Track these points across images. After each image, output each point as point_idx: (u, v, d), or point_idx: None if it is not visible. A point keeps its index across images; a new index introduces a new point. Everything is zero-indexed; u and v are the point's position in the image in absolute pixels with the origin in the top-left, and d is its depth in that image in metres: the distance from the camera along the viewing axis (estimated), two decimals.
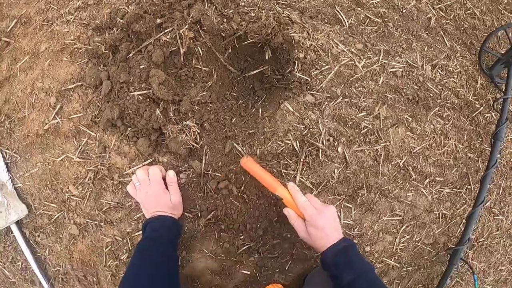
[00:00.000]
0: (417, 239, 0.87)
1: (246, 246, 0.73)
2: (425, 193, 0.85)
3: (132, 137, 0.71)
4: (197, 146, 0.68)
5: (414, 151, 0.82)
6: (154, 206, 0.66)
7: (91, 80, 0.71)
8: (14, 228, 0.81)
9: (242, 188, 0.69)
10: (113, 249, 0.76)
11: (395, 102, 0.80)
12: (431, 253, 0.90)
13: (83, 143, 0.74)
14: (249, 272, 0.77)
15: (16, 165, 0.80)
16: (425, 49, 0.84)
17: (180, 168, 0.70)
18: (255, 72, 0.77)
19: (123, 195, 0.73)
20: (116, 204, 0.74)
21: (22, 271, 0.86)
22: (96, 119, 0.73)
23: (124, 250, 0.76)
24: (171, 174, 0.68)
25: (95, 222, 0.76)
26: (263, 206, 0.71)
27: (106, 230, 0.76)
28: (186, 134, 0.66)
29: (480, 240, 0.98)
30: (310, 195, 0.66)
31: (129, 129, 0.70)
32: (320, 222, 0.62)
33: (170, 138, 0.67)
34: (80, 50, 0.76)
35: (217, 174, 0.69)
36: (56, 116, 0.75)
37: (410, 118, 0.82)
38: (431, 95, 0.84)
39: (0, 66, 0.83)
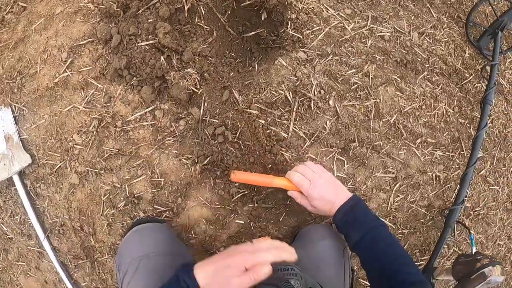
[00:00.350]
0: (411, 200, 0.92)
1: (241, 194, 0.79)
2: (417, 153, 0.92)
3: (137, 85, 0.80)
4: (197, 91, 0.77)
5: (404, 110, 0.90)
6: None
7: (102, 35, 0.82)
8: (16, 178, 0.88)
9: (238, 134, 0.77)
10: (111, 197, 0.83)
11: (383, 63, 0.89)
12: (426, 216, 0.95)
13: (90, 94, 0.83)
14: (243, 222, 0.82)
15: (23, 117, 0.89)
16: (412, 18, 0.95)
17: (180, 115, 0.78)
18: (252, 33, 0.87)
19: (125, 142, 0.81)
20: (117, 151, 0.81)
21: (19, 225, 0.92)
22: (104, 71, 0.83)
23: (122, 198, 0.83)
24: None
25: (96, 170, 0.83)
26: (258, 152, 0.78)
27: (106, 178, 0.83)
28: (187, 80, 0.75)
29: (476, 209, 1.03)
30: (303, 167, 0.72)
31: (134, 78, 0.80)
32: (315, 193, 0.68)
33: (172, 84, 0.76)
34: (93, 12, 0.87)
35: (214, 120, 0.77)
36: (66, 69, 0.85)
37: (399, 79, 0.91)
38: (419, 59, 0.93)
39: (16, 28, 0.94)
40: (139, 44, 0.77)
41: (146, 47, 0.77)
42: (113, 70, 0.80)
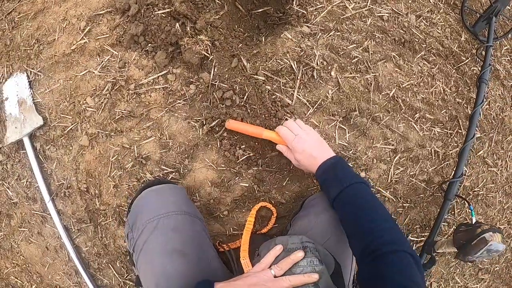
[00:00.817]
0: (411, 173, 1.02)
1: (246, 156, 0.89)
2: (416, 128, 1.02)
3: (151, 51, 0.91)
4: (208, 56, 0.88)
5: (403, 85, 1.02)
6: None
7: (120, 5, 0.94)
8: (26, 140, 0.98)
9: (245, 98, 0.88)
10: (119, 158, 0.92)
11: (382, 40, 1.02)
12: (426, 191, 1.04)
13: (105, 60, 0.94)
14: (247, 185, 0.91)
15: (39, 82, 0.99)
16: (410, 2, 1.09)
17: (191, 79, 0.89)
18: (260, 10, 1.00)
19: (136, 105, 0.91)
20: (128, 113, 0.91)
21: (25, 188, 1.00)
22: (120, 39, 0.94)
23: (130, 159, 0.92)
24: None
25: (106, 132, 0.93)
26: (264, 116, 0.89)
27: (115, 140, 0.92)
28: (200, 45, 0.87)
29: (476, 189, 1.12)
30: (291, 122, 0.81)
31: (149, 44, 0.91)
32: (299, 146, 0.76)
33: (185, 49, 0.87)
34: None
35: (223, 85, 0.88)
36: (84, 37, 0.96)
37: (397, 56, 1.03)
38: (416, 40, 1.06)
39: (36, 0, 1.07)
40: (156, 12, 0.89)
41: (163, 15, 0.89)
42: (129, 36, 0.92)
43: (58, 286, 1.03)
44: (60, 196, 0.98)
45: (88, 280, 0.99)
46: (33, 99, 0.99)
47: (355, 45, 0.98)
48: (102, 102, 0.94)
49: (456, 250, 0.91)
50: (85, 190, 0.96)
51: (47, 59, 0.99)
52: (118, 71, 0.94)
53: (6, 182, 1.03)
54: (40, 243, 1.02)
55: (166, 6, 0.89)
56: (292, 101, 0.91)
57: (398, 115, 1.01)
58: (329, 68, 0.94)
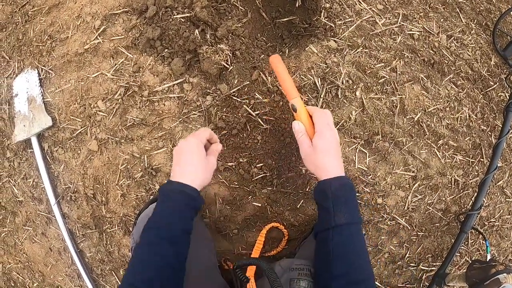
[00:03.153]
0: (429, 202, 0.91)
1: (261, 176, 0.79)
2: (438, 155, 0.91)
3: (168, 57, 0.81)
4: (228, 67, 0.77)
5: (429, 110, 0.90)
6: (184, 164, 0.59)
7: (138, 6, 0.83)
8: (34, 140, 0.89)
9: (263, 113, 0.77)
10: (128, 166, 0.83)
11: (411, 60, 0.90)
12: (442, 221, 0.94)
13: (119, 63, 0.84)
14: (260, 205, 0.81)
15: (49, 81, 0.89)
16: (441, 20, 0.96)
17: (208, 90, 0.79)
18: (285, 20, 0.89)
19: (149, 113, 0.81)
20: (140, 120, 0.82)
21: (31, 188, 0.92)
22: (136, 41, 0.84)
23: (139, 169, 0.82)
24: (220, 146, 0.67)
25: (116, 138, 0.83)
26: (282, 133, 0.78)
27: (125, 147, 0.83)
28: (219, 55, 0.76)
29: (491, 220, 1.01)
30: (329, 115, 0.64)
31: (166, 50, 0.81)
32: (332, 136, 0.60)
33: (204, 58, 0.77)
34: None
35: (241, 98, 0.77)
36: (98, 37, 0.86)
37: (425, 78, 0.91)
38: (446, 61, 0.94)
39: None
40: (174, 16, 0.78)
41: (182, 19, 0.78)
42: (145, 40, 0.81)
43: (59, 287, 0.96)
44: (66, 200, 0.89)
45: (90, 285, 0.91)
46: (43, 98, 0.90)
47: (383, 64, 0.86)
48: (113, 107, 0.84)
49: (467, 287, 0.82)
50: (92, 196, 0.87)
51: (59, 57, 0.89)
52: (132, 75, 0.83)
53: (12, 179, 0.95)
54: (44, 244, 0.94)
55: (186, 10, 0.77)
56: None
57: (421, 141, 0.90)
58: (355, 87, 0.83)
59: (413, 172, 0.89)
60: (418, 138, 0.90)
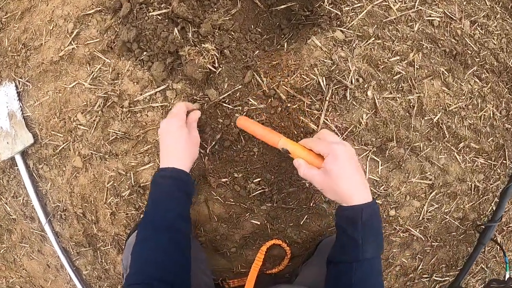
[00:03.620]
0: (446, 211, 0.70)
1: (259, 191, 0.59)
2: (459, 159, 0.69)
3: (147, 61, 0.60)
4: (215, 70, 0.56)
5: (450, 109, 0.67)
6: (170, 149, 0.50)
7: (110, 4, 0.61)
8: (18, 158, 0.71)
9: (260, 121, 0.56)
10: (115, 184, 0.64)
11: (431, 52, 0.66)
12: (459, 229, 0.73)
13: (96, 70, 0.64)
14: (259, 223, 0.62)
15: (27, 93, 0.70)
16: (464, 3, 0.71)
17: (195, 97, 0.58)
18: (283, 7, 0.65)
19: (131, 125, 0.62)
20: (123, 134, 0.62)
21: (22, 207, 0.75)
22: (112, 44, 0.63)
23: (126, 186, 0.64)
24: (198, 114, 0.55)
25: (100, 154, 0.64)
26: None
27: (110, 164, 0.64)
28: (204, 57, 0.55)
29: (510, 225, 0.80)
30: (326, 131, 0.48)
31: (144, 53, 0.60)
32: (345, 152, 0.42)
33: (186, 60, 0.55)
34: None
35: (233, 105, 0.56)
36: (72, 42, 0.65)
37: (447, 73, 0.68)
38: (469, 52, 0.70)
39: None
40: (150, 13, 0.56)
41: (158, 17, 0.56)
42: (121, 43, 0.60)
43: None
44: (57, 218, 0.72)
45: None
46: (22, 113, 0.70)
47: (398, 57, 0.63)
48: (94, 120, 0.64)
49: None
50: (82, 214, 0.70)
51: (35, 67, 0.69)
52: (111, 83, 0.63)
53: (3, 197, 0.78)
54: (41, 261, 0.78)
55: (162, 6, 0.55)
56: (318, 126, 0.59)
57: (440, 145, 0.68)
58: (366, 86, 0.61)
59: (430, 180, 0.67)
60: (437, 141, 0.67)
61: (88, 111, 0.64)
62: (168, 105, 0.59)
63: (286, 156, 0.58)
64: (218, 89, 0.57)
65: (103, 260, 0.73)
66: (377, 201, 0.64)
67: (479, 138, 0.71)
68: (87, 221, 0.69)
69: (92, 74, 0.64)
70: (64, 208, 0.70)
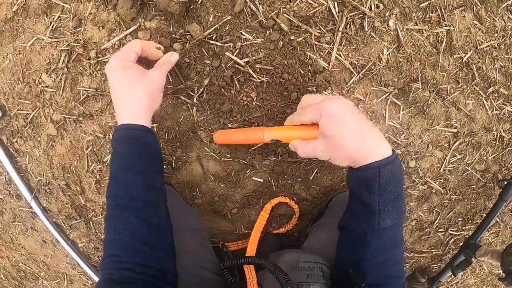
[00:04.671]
0: (468, 162, 0.57)
1: (260, 144, 0.46)
2: (486, 105, 0.54)
3: None
4: (196, 0, 0.39)
5: (481, 47, 0.51)
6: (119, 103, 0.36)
7: None
8: None
9: (255, 61, 0.41)
10: (94, 149, 0.51)
11: None
12: (479, 182, 0.61)
13: (55, 19, 0.46)
14: (262, 180, 0.49)
15: None
16: None
17: (173, 36, 0.42)
18: None
19: (102, 79, 0.47)
20: (94, 91, 0.47)
21: (6, 185, 0.63)
22: None
23: (107, 150, 0.50)
24: (174, 57, 0.38)
25: (73, 117, 0.50)
26: (284, 89, 0.43)
27: (86, 126, 0.50)
28: None
29: None
30: (307, 96, 0.35)
31: None
32: (338, 106, 0.30)
33: None
34: None
35: (222, 41, 0.41)
36: None
37: (480, 4, 0.50)
38: None
39: None
40: None
41: None
42: None
43: (65, 274, 0.73)
44: (42, 193, 0.60)
45: (91, 273, 0.67)
46: None
47: None
48: (60, 79, 0.48)
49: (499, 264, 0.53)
50: (66, 186, 0.57)
51: None
52: (73, 32, 0.46)
53: None
54: (37, 237, 0.68)
55: None
56: (328, 63, 0.43)
57: (468, 88, 0.52)
58: (387, 15, 0.44)
59: (455, 128, 0.53)
60: (465, 84, 0.52)
61: (53, 69, 0.49)
62: None
63: (291, 100, 0.43)
64: (202, 23, 0.40)
65: (97, 231, 0.62)
66: (396, 151, 0.50)
67: (509, 83, 0.55)
68: (73, 192, 0.57)
69: (51, 26, 0.47)
70: (47, 181, 0.57)
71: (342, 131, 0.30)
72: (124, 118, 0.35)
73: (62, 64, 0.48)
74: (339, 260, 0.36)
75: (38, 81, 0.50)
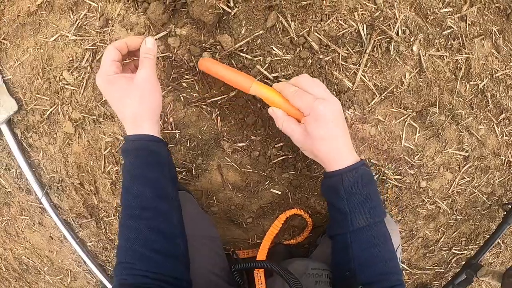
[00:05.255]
0: (476, 185, 0.59)
1: (282, 158, 0.46)
2: (497, 131, 0.56)
3: (143, 1, 0.43)
4: (230, 11, 0.40)
5: (496, 75, 0.52)
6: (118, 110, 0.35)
7: None
8: (4, 128, 0.56)
9: (283, 75, 0.42)
10: (112, 151, 0.51)
11: (485, 7, 0.49)
12: (485, 204, 0.63)
13: (81, 17, 0.46)
14: (280, 192, 0.50)
15: (6, 53, 0.52)
16: None
17: (204, 45, 0.42)
18: None
19: None
20: None
21: (16, 179, 0.62)
22: None
23: (121, 156, 0.51)
24: (149, 43, 0.35)
25: (93, 117, 0.50)
26: None
27: (106, 127, 0.50)
28: None
29: None
30: (307, 77, 0.35)
31: None
32: (327, 112, 0.32)
33: None
34: None
35: (253, 54, 0.41)
36: None
37: (498, 33, 0.51)
38: None
39: None
40: None
41: None
42: None
43: (69, 270, 0.72)
44: (53, 190, 0.60)
45: (98, 272, 0.67)
46: (2, 77, 0.54)
47: (451, 9, 0.46)
48: (82, 78, 0.48)
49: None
50: (79, 185, 0.57)
51: (11, 21, 0.50)
52: (99, 32, 0.46)
53: None
54: (43, 233, 0.67)
55: None
56: (353, 83, 0.44)
57: (481, 114, 0.54)
58: (412, 40, 0.45)
59: (466, 151, 0.55)
60: (479, 110, 0.53)
61: (75, 67, 0.48)
62: (171, 55, 0.44)
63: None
64: (234, 35, 0.41)
65: (107, 231, 0.62)
66: (409, 171, 0.52)
67: None
68: (86, 191, 0.56)
69: (77, 23, 0.47)
70: (60, 178, 0.57)
71: (322, 134, 0.33)
72: (127, 129, 0.35)
73: (86, 63, 0.48)
74: (334, 266, 0.38)
75: (59, 78, 0.50)
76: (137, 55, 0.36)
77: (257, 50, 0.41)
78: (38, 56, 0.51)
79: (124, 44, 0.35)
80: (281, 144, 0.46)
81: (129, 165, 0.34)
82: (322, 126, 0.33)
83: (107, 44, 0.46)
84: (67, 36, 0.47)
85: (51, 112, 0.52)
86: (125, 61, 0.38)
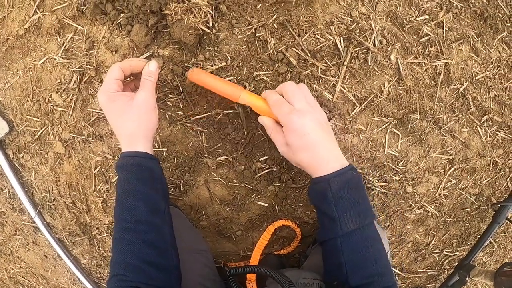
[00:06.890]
0: (462, 187, 0.60)
1: (266, 171, 0.47)
2: (480, 132, 0.57)
3: (126, 24, 0.44)
4: (209, 31, 0.41)
5: (476, 78, 0.54)
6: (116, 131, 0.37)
7: None
8: None
9: (263, 90, 0.43)
10: (102, 169, 0.52)
11: (461, 12, 0.51)
12: (473, 205, 0.63)
13: (67, 40, 0.48)
14: (266, 204, 0.51)
15: None
16: None
17: (186, 64, 0.44)
18: None
19: None
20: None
21: (9, 199, 0.63)
22: (82, 7, 0.46)
23: (115, 171, 0.51)
24: (152, 66, 0.37)
25: (82, 137, 0.51)
26: None
27: (95, 147, 0.51)
28: (195, 15, 0.39)
29: None
30: (291, 85, 0.36)
31: (121, 14, 0.44)
32: (301, 125, 0.33)
33: (173, 21, 0.40)
34: None
35: (233, 71, 0.42)
36: (37, 10, 0.48)
37: (476, 37, 0.53)
38: (500, 15, 0.54)
39: None
40: None
41: None
42: (92, 5, 0.44)
43: None
44: (46, 209, 0.60)
45: None
46: None
47: (427, 16, 0.48)
48: (71, 99, 0.49)
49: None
50: (71, 204, 0.58)
51: (0, 44, 0.53)
52: (86, 54, 0.47)
53: None
54: (38, 252, 0.67)
55: None
56: (333, 95, 0.45)
57: (463, 117, 0.55)
58: (389, 49, 0.46)
59: (451, 155, 0.56)
60: (461, 113, 0.54)
61: (64, 89, 0.50)
62: None
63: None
64: (215, 54, 0.42)
65: (100, 248, 0.62)
66: (394, 177, 0.53)
67: (502, 111, 0.59)
68: (78, 210, 0.57)
69: (64, 46, 0.48)
70: (52, 198, 0.58)
71: (299, 144, 0.33)
72: (123, 146, 0.36)
73: (74, 85, 0.49)
74: (326, 272, 0.38)
75: (48, 99, 0.51)
76: (139, 77, 0.37)
77: (238, 67, 0.42)
78: (27, 79, 0.52)
79: (128, 65, 0.37)
80: (266, 157, 0.46)
81: (124, 180, 0.35)
82: (298, 137, 0.33)
83: (93, 66, 0.47)
84: (55, 59, 0.49)
85: (41, 133, 0.53)
86: (126, 79, 0.39)
